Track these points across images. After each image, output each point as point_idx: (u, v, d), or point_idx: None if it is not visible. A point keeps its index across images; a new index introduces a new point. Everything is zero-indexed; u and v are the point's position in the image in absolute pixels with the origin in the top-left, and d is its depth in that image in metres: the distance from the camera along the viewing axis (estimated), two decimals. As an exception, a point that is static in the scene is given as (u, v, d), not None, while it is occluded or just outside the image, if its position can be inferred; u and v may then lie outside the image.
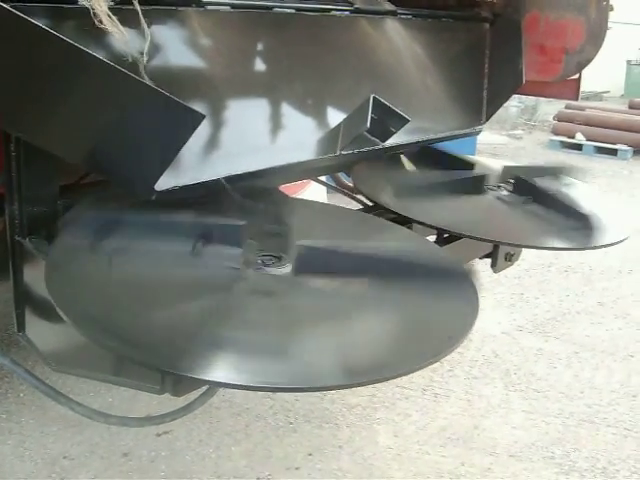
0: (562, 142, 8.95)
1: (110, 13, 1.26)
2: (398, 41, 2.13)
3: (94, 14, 1.24)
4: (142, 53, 1.36)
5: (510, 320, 3.83)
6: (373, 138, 1.76)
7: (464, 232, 1.81)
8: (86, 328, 1.11)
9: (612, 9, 2.43)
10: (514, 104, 10.48)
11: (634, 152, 8.53)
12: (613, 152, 8.50)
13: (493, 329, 3.69)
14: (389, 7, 2.09)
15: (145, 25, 1.37)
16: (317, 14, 1.90)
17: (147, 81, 1.30)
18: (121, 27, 1.28)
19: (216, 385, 1.36)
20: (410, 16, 2.18)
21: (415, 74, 2.17)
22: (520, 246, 2.06)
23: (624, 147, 8.46)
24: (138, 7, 1.35)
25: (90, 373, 1.45)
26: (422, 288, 1.35)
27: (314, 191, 3.87)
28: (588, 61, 2.45)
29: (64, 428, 2.66)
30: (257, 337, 1.15)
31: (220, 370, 1.06)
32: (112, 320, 1.13)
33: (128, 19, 1.35)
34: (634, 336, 3.69)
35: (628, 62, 14.26)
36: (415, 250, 1.62)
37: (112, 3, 1.32)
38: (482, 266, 2.21)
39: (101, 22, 1.25)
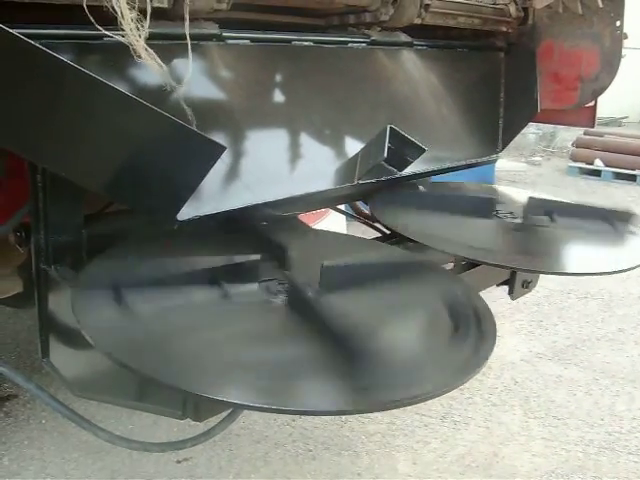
0: (581, 168, 8.93)
1: (148, 47, 1.30)
2: (414, 72, 2.17)
3: (133, 49, 1.28)
4: (180, 83, 1.41)
5: (529, 347, 3.81)
6: (390, 167, 1.80)
7: (481, 259, 1.82)
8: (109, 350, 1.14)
9: (626, 37, 2.45)
10: (532, 131, 10.50)
11: (653, 178, 8.50)
12: (632, 178, 8.47)
13: (512, 356, 3.68)
14: (405, 39, 2.14)
15: (190, 57, 1.41)
16: (335, 46, 1.94)
17: (187, 109, 1.34)
18: (159, 60, 1.33)
19: (234, 407, 1.37)
20: (426, 47, 2.22)
21: (431, 104, 2.21)
22: (537, 272, 2.08)
23: (643, 173, 8.43)
24: (189, 40, 1.40)
25: (113, 399, 1.48)
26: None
27: (333, 220, 3.90)
28: (603, 89, 2.48)
29: (85, 455, 2.68)
30: (277, 363, 1.17)
31: (240, 392, 1.08)
32: (137, 344, 1.16)
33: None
34: (655, 363, 3.67)
35: (646, 88, 14.26)
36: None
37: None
38: (500, 293, 2.23)
39: (140, 57, 1.30)
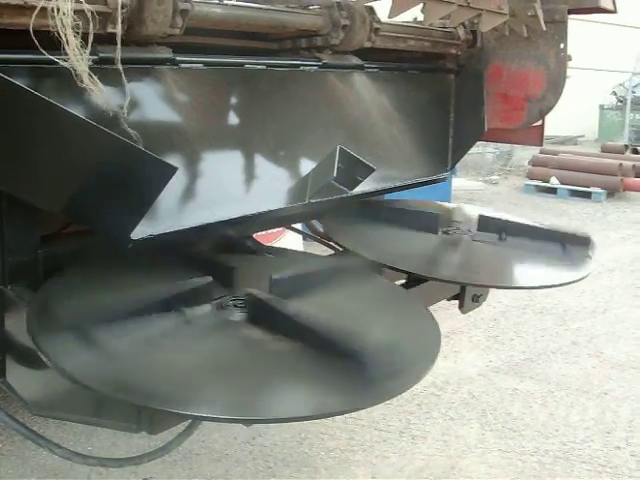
0: (537, 186, 9.10)
1: (91, 73, 1.34)
2: (365, 93, 2.23)
3: (76, 74, 1.32)
4: (122, 107, 1.44)
5: (486, 362, 3.88)
6: (341, 186, 1.83)
7: (430, 275, 1.88)
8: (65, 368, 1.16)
9: (570, 59, 2.54)
10: (490, 150, 10.66)
11: (607, 195, 8.70)
12: (587, 195, 8.67)
13: (470, 371, 3.74)
14: (356, 61, 2.19)
15: (125, 82, 1.45)
16: (287, 69, 1.99)
17: (130, 132, 1.38)
18: (101, 85, 1.36)
19: (188, 418, 1.40)
20: (377, 69, 2.28)
21: (383, 125, 2.26)
22: (485, 286, 2.14)
23: (597, 190, 8.63)
24: (120, 67, 1.44)
25: (70, 415, 1.50)
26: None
27: (290, 239, 3.94)
28: (549, 108, 2.55)
29: (43, 477, 2.67)
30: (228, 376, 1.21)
31: (193, 405, 1.12)
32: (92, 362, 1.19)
33: (108, 77, 1.44)
34: (607, 374, 3.76)
35: (601, 107, 14.59)
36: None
37: (91, 63, 1.40)
38: (456, 309, 2.28)
39: (82, 81, 1.33)
